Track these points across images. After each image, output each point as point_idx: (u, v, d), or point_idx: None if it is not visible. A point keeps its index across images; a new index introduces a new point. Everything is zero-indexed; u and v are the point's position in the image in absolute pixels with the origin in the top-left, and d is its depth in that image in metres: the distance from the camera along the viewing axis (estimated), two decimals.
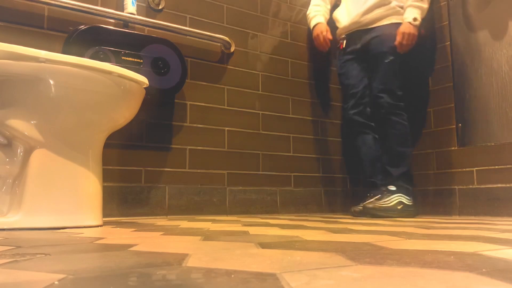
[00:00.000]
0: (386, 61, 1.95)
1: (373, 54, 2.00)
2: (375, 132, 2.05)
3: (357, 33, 2.06)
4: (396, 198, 1.88)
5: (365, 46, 2.04)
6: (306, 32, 2.46)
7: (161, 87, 1.86)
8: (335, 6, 2.26)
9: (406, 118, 1.97)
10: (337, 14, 2.17)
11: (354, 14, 2.05)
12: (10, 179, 1.24)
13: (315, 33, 2.17)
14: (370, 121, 2.05)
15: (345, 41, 2.12)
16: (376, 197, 1.90)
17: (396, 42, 1.92)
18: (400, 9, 1.99)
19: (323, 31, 2.14)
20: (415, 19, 1.91)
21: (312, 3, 2.28)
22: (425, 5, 1.95)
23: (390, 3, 1.99)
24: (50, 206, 1.21)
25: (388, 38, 1.95)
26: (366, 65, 2.06)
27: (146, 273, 0.45)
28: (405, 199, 1.89)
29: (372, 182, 2.04)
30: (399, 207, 1.86)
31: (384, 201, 1.87)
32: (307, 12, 2.28)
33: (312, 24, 2.22)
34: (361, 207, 1.95)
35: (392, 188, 1.91)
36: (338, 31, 2.16)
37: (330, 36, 2.15)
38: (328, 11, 2.25)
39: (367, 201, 1.92)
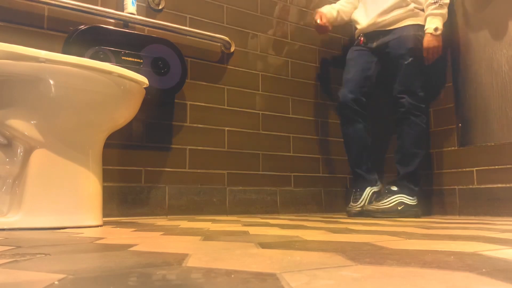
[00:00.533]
0: (405, 62, 1.94)
1: (391, 56, 1.99)
2: (367, 122, 2.06)
3: (375, 33, 2.06)
4: (396, 199, 1.86)
5: (381, 47, 2.03)
6: (306, 32, 2.46)
7: (161, 87, 1.86)
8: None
9: (426, 121, 1.97)
10: (355, 15, 2.16)
11: (372, 16, 2.05)
12: (10, 179, 1.24)
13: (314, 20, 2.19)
14: (364, 110, 2.05)
15: (363, 38, 2.11)
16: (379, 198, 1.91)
17: (425, 54, 1.93)
18: (418, 11, 1.98)
19: (317, 18, 2.15)
20: (436, 29, 1.90)
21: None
22: (445, 10, 1.93)
23: (408, 5, 1.97)
24: (50, 206, 1.21)
25: (406, 39, 1.95)
26: (378, 62, 2.07)
27: (146, 273, 0.45)
28: (407, 199, 1.87)
29: (356, 172, 2.05)
30: (399, 208, 1.85)
31: (383, 203, 1.86)
32: None
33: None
34: (359, 208, 1.95)
35: (394, 188, 1.90)
36: (356, 32, 2.16)
37: (323, 23, 2.14)
38: (347, 11, 2.22)
39: (359, 201, 1.95)
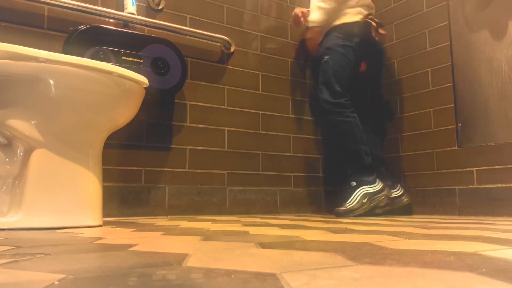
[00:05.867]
0: (322, 60, 2.04)
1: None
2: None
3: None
4: (359, 193, 1.90)
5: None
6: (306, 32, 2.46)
7: (161, 87, 1.86)
8: None
9: (349, 113, 1.97)
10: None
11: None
12: (10, 179, 1.24)
13: None
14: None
15: None
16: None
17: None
18: (348, 10, 2.04)
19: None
20: (312, 22, 2.05)
21: None
22: (327, 6, 2.03)
23: (336, 8, 2.05)
24: (50, 206, 1.21)
25: (328, 39, 2.05)
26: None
27: (146, 273, 0.45)
28: (369, 188, 1.91)
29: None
30: (364, 200, 1.89)
31: (349, 202, 1.89)
32: None
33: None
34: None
35: (353, 183, 1.93)
36: None
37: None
38: None
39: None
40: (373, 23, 2.09)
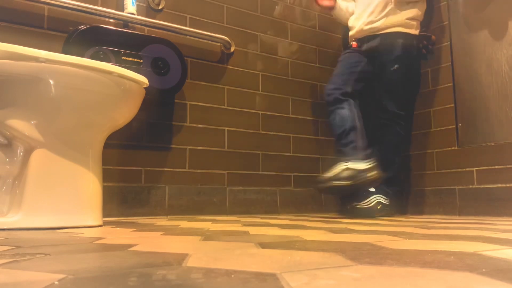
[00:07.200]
0: (391, 69, 1.98)
1: (380, 62, 2.02)
2: (354, 107, 1.99)
3: (366, 38, 2.08)
4: (375, 199, 1.94)
5: (371, 50, 2.05)
6: (306, 32, 2.46)
7: (161, 87, 1.86)
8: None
9: (405, 129, 2.03)
10: (351, 21, 2.19)
11: (360, 23, 2.08)
12: (10, 179, 1.24)
13: None
14: (348, 97, 2.00)
15: (356, 43, 2.14)
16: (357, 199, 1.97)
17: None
18: (408, 21, 2.00)
19: None
20: None
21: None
22: None
23: (397, 14, 2.00)
24: (50, 206, 1.21)
25: (395, 47, 1.98)
26: (368, 63, 2.07)
27: (146, 273, 0.45)
28: (383, 199, 1.95)
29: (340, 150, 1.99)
30: (378, 207, 1.93)
31: (365, 202, 1.93)
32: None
33: None
34: (323, 184, 1.97)
35: (372, 189, 1.96)
36: (349, 37, 2.19)
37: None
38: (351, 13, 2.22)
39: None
40: (433, 37, 2.14)
